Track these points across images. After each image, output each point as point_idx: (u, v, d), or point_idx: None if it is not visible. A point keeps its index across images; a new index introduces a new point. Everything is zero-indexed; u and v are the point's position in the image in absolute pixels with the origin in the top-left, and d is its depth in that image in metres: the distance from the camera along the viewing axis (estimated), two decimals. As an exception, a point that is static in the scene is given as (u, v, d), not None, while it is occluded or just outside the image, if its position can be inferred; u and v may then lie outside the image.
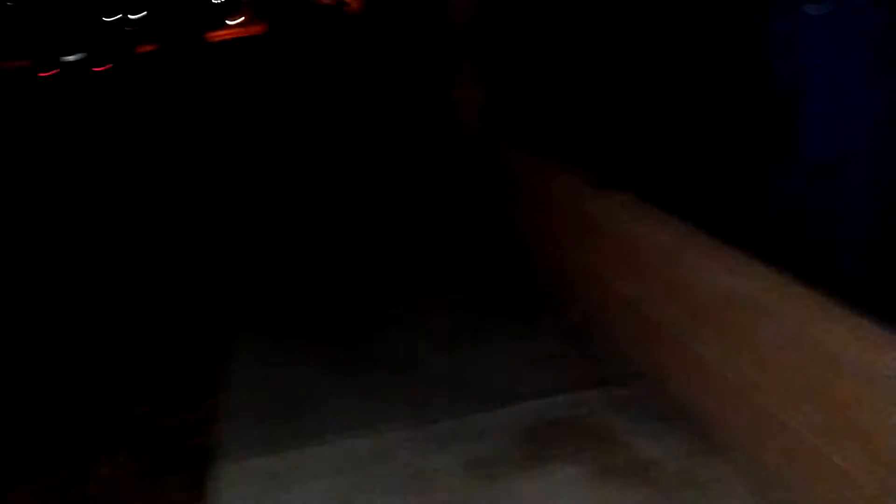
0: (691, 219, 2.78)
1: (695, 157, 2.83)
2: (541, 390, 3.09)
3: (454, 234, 5.13)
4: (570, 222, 3.70)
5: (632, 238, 3.05)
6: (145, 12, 31.15)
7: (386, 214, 5.72)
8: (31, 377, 3.97)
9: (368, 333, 3.82)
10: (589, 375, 3.17)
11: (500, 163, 4.79)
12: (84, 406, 3.59)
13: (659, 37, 3.02)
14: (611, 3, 3.33)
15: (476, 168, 5.19)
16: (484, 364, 3.39)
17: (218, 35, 33.20)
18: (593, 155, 3.50)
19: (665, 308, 2.86)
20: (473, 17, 5.02)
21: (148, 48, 28.09)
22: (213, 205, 6.83)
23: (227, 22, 38.56)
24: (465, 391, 3.16)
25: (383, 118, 9.19)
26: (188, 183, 7.97)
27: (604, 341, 3.42)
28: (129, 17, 30.39)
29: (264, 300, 4.45)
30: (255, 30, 31.08)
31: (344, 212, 5.97)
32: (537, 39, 4.10)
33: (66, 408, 3.60)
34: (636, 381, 3.07)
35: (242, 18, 39.44)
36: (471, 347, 3.55)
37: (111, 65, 23.75)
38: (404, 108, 8.63)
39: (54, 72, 22.28)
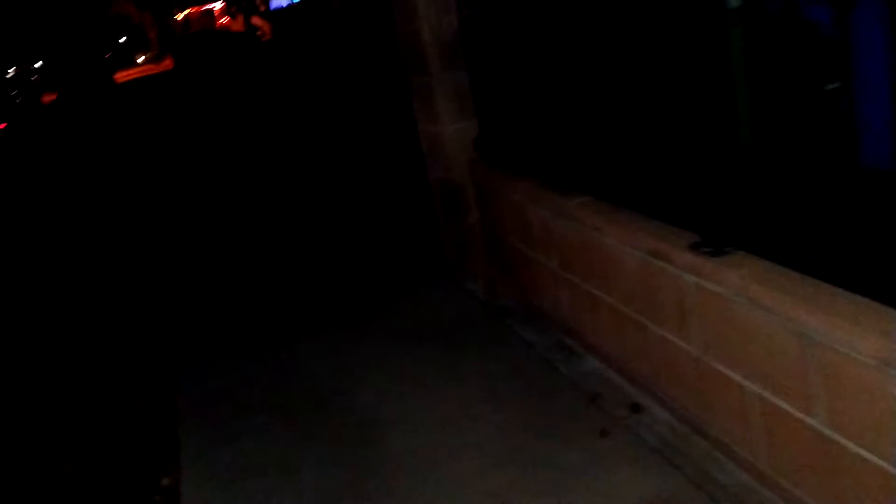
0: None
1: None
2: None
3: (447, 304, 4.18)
4: (642, 293, 2.77)
5: (778, 330, 2.13)
6: (43, 60, 29.42)
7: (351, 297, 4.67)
8: None
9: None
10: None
11: (510, 215, 3.82)
12: None
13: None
14: None
15: (468, 224, 4.21)
16: None
17: (128, 74, 31.53)
18: (693, 199, 2.50)
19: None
20: (453, 36, 4.07)
21: (53, 96, 26.50)
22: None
23: (137, 60, 36.84)
24: None
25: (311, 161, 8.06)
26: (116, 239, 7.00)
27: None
28: (32, 66, 28.61)
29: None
30: (168, 64, 29.58)
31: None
32: (565, 46, 3.12)
33: None
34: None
35: (150, 55, 37.76)
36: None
37: (6, 123, 22.28)
38: (341, 149, 7.51)
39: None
